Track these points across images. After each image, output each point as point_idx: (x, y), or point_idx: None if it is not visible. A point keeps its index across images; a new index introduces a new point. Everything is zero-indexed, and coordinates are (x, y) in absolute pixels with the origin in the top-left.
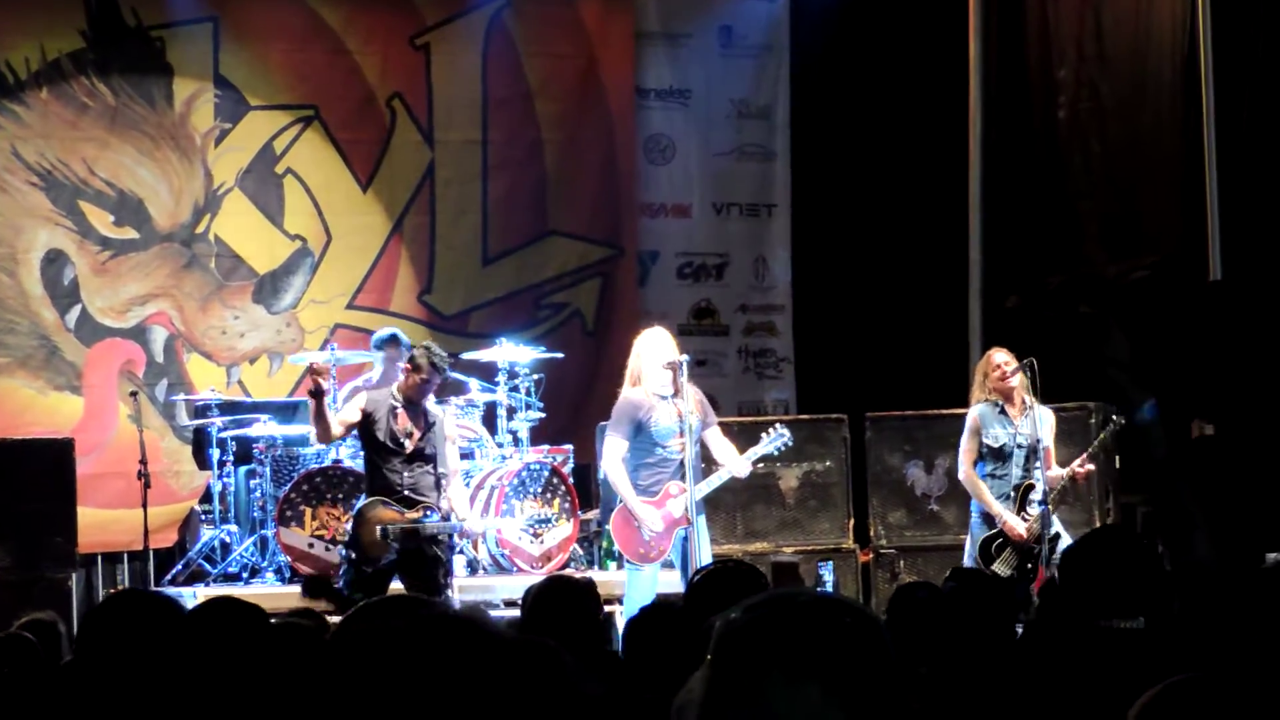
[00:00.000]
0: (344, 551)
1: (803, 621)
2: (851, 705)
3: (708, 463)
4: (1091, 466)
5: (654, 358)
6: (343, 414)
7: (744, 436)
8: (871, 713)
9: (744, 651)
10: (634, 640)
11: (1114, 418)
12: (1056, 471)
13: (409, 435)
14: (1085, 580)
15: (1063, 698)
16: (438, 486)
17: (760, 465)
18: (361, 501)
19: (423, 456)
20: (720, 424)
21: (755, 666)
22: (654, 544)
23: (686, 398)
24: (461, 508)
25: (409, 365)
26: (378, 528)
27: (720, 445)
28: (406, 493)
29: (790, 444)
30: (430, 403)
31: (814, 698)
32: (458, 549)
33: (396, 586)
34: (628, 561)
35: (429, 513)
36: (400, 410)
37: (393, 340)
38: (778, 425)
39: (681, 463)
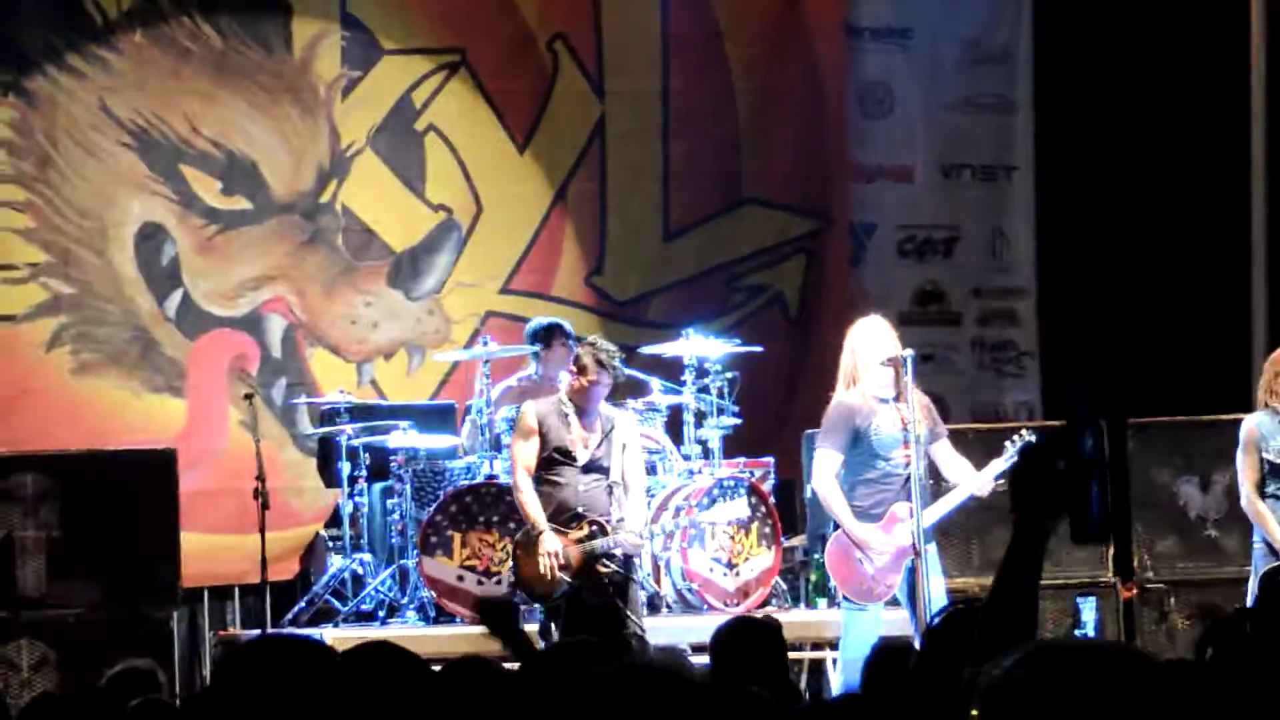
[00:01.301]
0: (516, 593)
1: (1087, 676)
2: None
3: (936, 480)
4: None
5: (872, 353)
6: (521, 450)
7: (979, 447)
8: None
9: (1018, 712)
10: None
11: None
12: None
13: (584, 445)
14: None
15: None
16: (611, 499)
17: (1001, 483)
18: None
19: (598, 468)
20: (951, 431)
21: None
22: (879, 578)
23: (911, 402)
24: (631, 520)
25: (574, 367)
26: (534, 559)
27: (951, 460)
28: (579, 509)
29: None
30: (605, 407)
31: None
32: (639, 576)
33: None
34: (845, 600)
35: (597, 531)
36: (571, 417)
37: (553, 331)
38: (1024, 432)
39: (908, 479)
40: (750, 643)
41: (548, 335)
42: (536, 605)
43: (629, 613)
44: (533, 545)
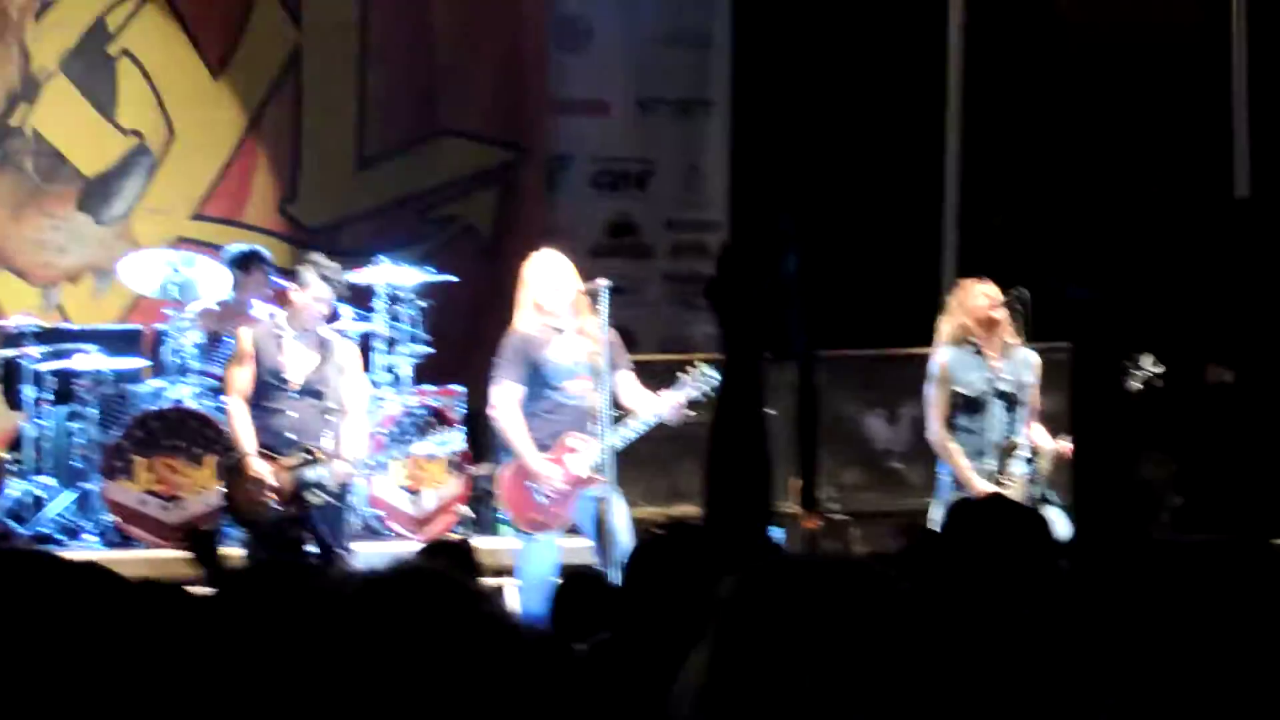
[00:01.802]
0: (223, 517)
1: (821, 588)
2: (883, 676)
3: (619, 413)
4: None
5: (546, 285)
6: (236, 375)
7: (668, 379)
8: (903, 682)
9: (754, 625)
10: (560, 617)
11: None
12: (1043, 437)
13: (298, 369)
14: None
15: None
16: (330, 427)
17: (688, 413)
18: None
19: (313, 393)
20: (641, 362)
21: (769, 642)
22: (551, 509)
23: (593, 331)
24: (348, 448)
25: (296, 284)
26: (250, 482)
27: (634, 393)
28: (291, 436)
29: (717, 387)
30: (324, 329)
31: (840, 671)
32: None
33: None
34: (519, 532)
35: (310, 458)
36: (286, 340)
37: (251, 257)
38: (700, 365)
39: (583, 410)
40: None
41: (246, 261)
42: (241, 530)
43: (333, 541)
44: (240, 470)
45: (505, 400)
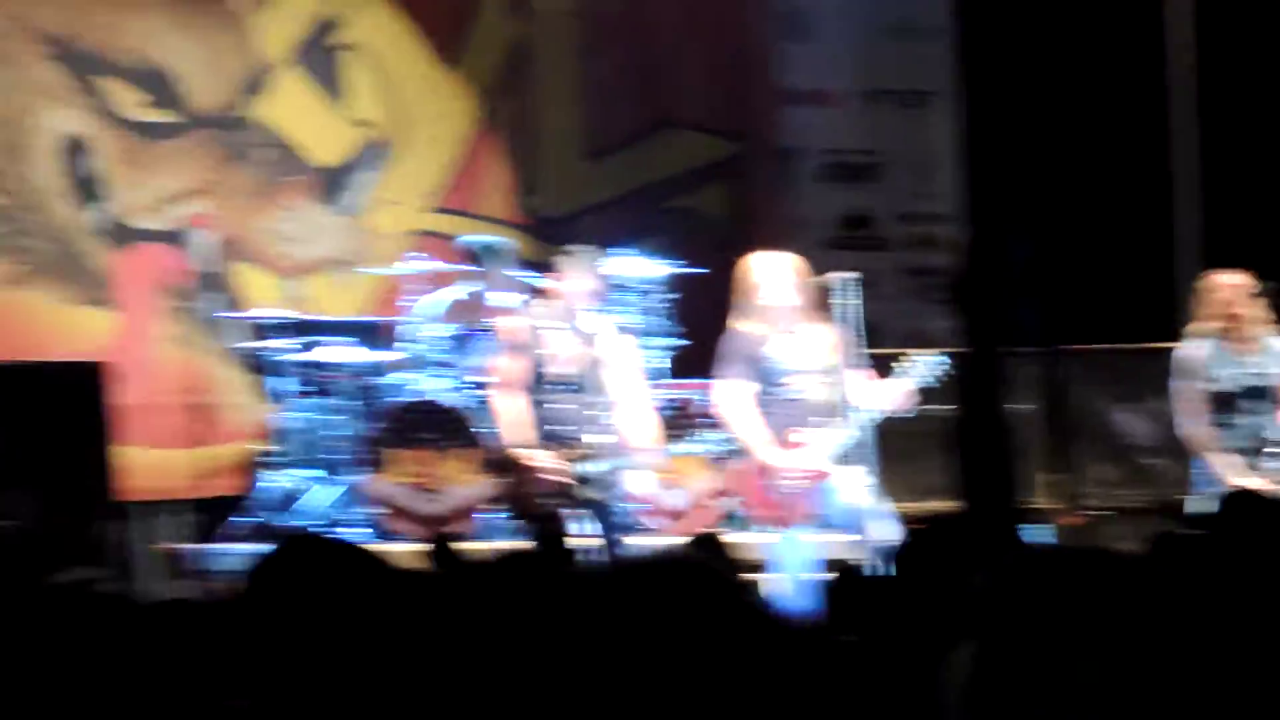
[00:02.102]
0: (503, 512)
1: (1078, 579)
2: (1145, 665)
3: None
4: None
5: (771, 285)
6: (504, 365)
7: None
8: (1166, 670)
9: (1017, 618)
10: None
11: None
12: None
13: (568, 360)
14: None
15: None
16: (595, 421)
17: (936, 408)
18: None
19: (576, 385)
20: (879, 356)
21: (1033, 635)
22: (789, 503)
23: (821, 330)
24: (637, 438)
25: (556, 274)
26: (525, 476)
27: (862, 386)
28: (553, 428)
29: (948, 369)
30: (591, 319)
31: (1104, 661)
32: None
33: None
34: (758, 526)
35: (581, 452)
36: (555, 331)
37: (492, 249)
38: (913, 355)
39: (807, 406)
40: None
41: (488, 252)
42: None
43: (606, 534)
44: (511, 463)
45: (733, 397)
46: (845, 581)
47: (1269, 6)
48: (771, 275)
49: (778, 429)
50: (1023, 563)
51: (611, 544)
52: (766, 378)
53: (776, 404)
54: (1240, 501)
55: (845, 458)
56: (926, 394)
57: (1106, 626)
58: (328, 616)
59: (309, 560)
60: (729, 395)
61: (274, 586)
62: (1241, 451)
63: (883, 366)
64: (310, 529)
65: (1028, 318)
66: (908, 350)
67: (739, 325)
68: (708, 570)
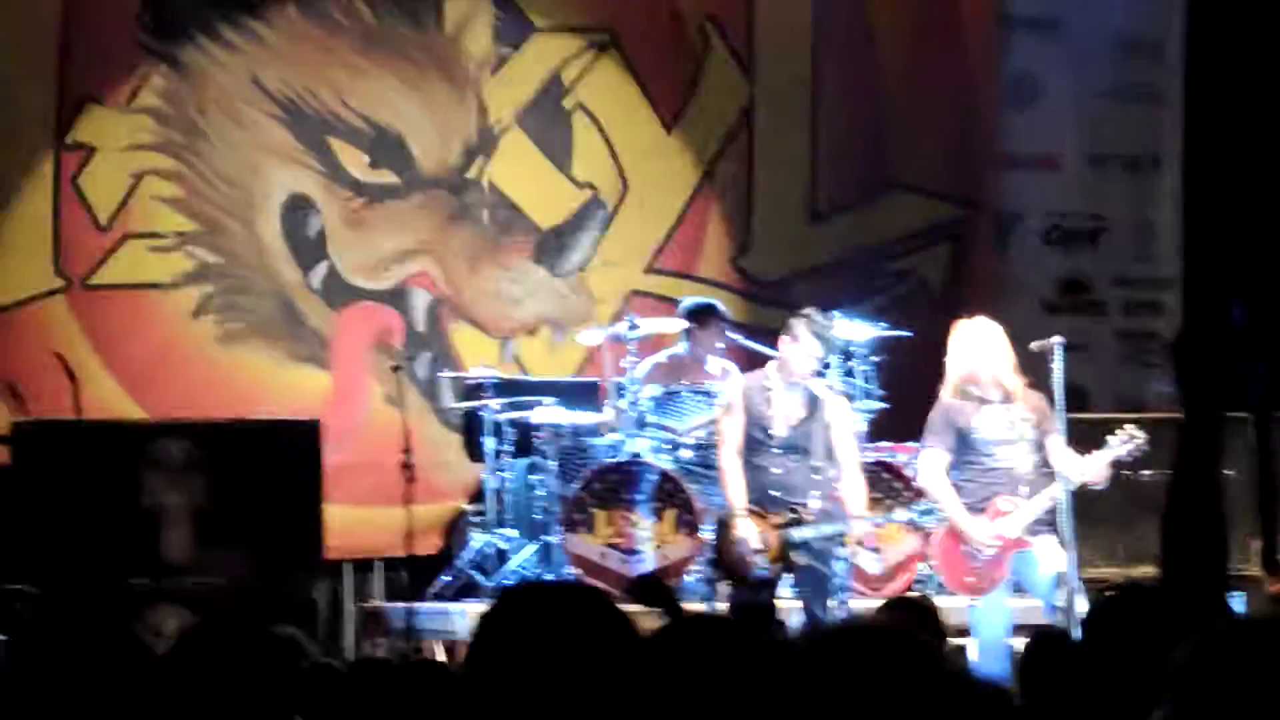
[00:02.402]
0: (708, 572)
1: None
2: None
3: (1049, 477)
4: None
5: (975, 357)
6: (726, 427)
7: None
8: None
9: (1212, 690)
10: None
11: None
12: None
13: (785, 422)
14: None
15: None
16: (817, 485)
17: (1148, 473)
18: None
19: (800, 449)
20: (1094, 421)
21: (1228, 707)
22: (985, 571)
23: (1024, 397)
24: (855, 504)
25: (786, 336)
26: (738, 539)
27: (1062, 456)
28: (776, 494)
29: (1146, 448)
30: (814, 383)
31: None
32: (844, 561)
33: None
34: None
35: (795, 516)
36: (775, 393)
37: (708, 310)
38: (1129, 426)
39: (1013, 476)
40: (908, 623)
41: (703, 314)
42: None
43: (815, 605)
44: (729, 526)
45: (933, 467)
46: (1039, 647)
47: None
48: (980, 344)
49: (979, 497)
50: (1229, 633)
51: (813, 610)
52: (971, 447)
53: (979, 473)
54: None
55: (1044, 526)
56: (1144, 460)
57: None
58: (558, 654)
59: (535, 605)
60: (931, 463)
61: (501, 634)
62: None
63: (1095, 433)
64: (506, 586)
65: (1245, 382)
66: (1119, 416)
67: (946, 393)
68: (907, 637)
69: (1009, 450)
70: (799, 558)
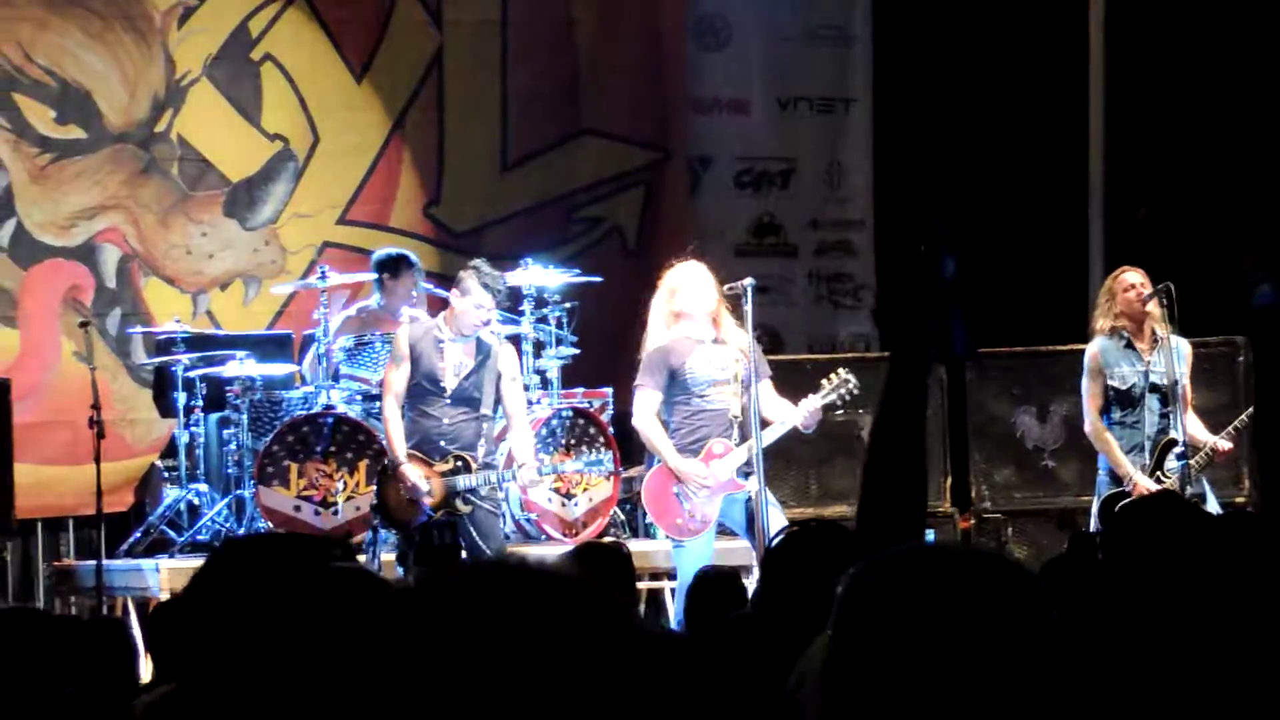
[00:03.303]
0: (374, 519)
1: (950, 575)
2: (1012, 670)
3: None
4: (1230, 445)
5: (689, 296)
6: (392, 376)
7: (816, 379)
8: (1033, 678)
9: (880, 608)
10: (694, 615)
11: None
12: (1198, 430)
13: (457, 374)
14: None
15: None
16: (481, 435)
17: (840, 414)
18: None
19: (468, 400)
20: (789, 362)
21: (893, 625)
22: (695, 512)
23: (735, 339)
24: (522, 454)
25: (455, 289)
26: (402, 487)
27: (773, 400)
28: (444, 443)
29: (856, 392)
30: (484, 334)
31: (967, 660)
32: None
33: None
34: (667, 537)
35: (461, 465)
36: (446, 344)
37: (400, 261)
38: (841, 370)
39: (725, 417)
40: (599, 569)
41: (395, 265)
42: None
43: (484, 546)
44: (393, 475)
45: (646, 408)
46: (700, 585)
47: (1179, 18)
48: (689, 286)
49: (692, 439)
50: (886, 561)
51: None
52: (684, 388)
53: (691, 414)
54: (1112, 505)
55: (753, 468)
56: (830, 409)
57: (964, 622)
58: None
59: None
60: (644, 404)
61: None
62: (1137, 450)
63: (791, 375)
64: (199, 541)
65: (952, 325)
66: (813, 358)
67: (658, 334)
68: (560, 581)
69: (721, 391)
70: (464, 505)
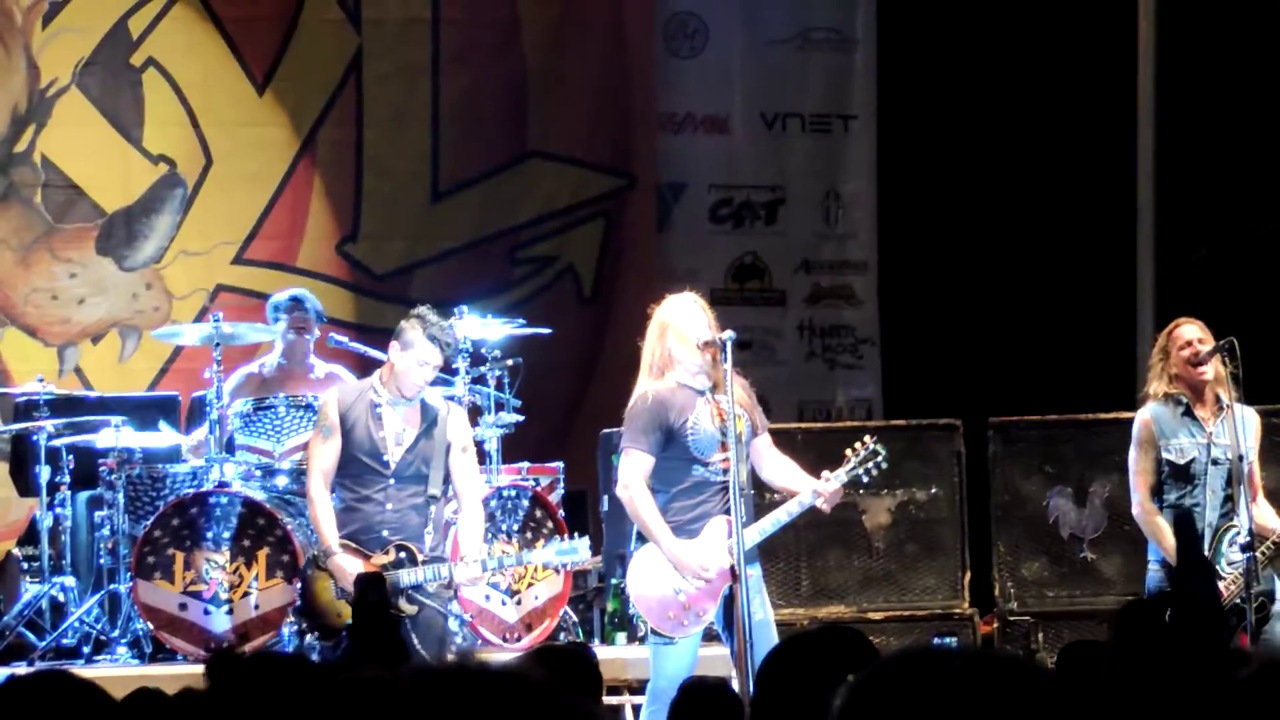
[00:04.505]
0: (294, 623)
1: (965, 686)
2: None
3: (756, 488)
4: None
5: (687, 336)
6: (318, 450)
7: (810, 452)
8: None
9: None
10: None
11: None
12: (1269, 516)
13: (398, 445)
14: None
15: None
16: (428, 520)
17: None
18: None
19: (413, 477)
20: (775, 431)
21: None
22: (694, 606)
23: (730, 392)
24: (467, 544)
25: (395, 343)
26: (333, 583)
27: (775, 461)
28: (385, 532)
29: (885, 465)
30: (430, 395)
31: None
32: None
33: None
34: (652, 633)
35: (405, 557)
36: (385, 409)
37: (297, 304)
38: (868, 439)
39: (730, 487)
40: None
41: (298, 311)
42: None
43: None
44: (324, 568)
45: (635, 475)
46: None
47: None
48: (692, 324)
49: (696, 516)
50: (882, 672)
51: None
52: (683, 451)
53: (692, 485)
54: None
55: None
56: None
57: None
58: None
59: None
60: (633, 470)
61: None
62: (1202, 538)
63: (776, 445)
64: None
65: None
66: (803, 426)
67: (651, 386)
68: (550, 689)
69: (723, 456)
70: (409, 605)
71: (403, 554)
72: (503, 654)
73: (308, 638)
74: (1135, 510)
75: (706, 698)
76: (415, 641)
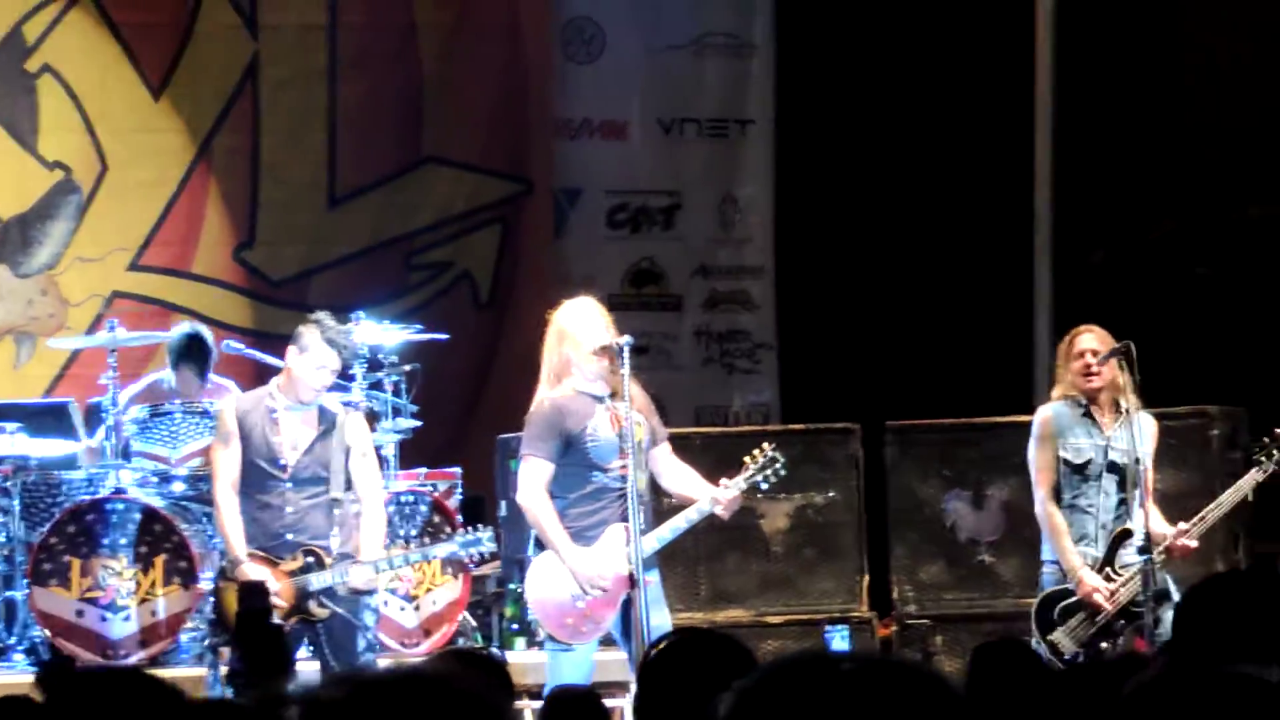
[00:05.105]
0: (206, 634)
1: (855, 692)
2: None
3: (656, 494)
4: (1195, 544)
5: (586, 341)
6: (221, 458)
7: (708, 457)
8: None
9: None
10: None
11: (1266, 450)
12: (1158, 521)
13: (295, 449)
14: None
15: None
16: (334, 522)
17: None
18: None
19: (313, 480)
20: (672, 436)
21: None
22: (593, 613)
23: (627, 398)
24: (368, 547)
25: (292, 347)
26: (239, 591)
27: (674, 468)
28: (290, 536)
29: (784, 472)
30: (328, 400)
31: None
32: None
33: None
34: (549, 640)
35: (313, 561)
36: (281, 414)
37: (194, 345)
38: (766, 446)
39: (628, 493)
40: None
41: (185, 350)
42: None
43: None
44: (230, 577)
45: (534, 483)
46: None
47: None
48: (591, 328)
49: (595, 523)
50: (776, 676)
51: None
52: (582, 457)
53: (593, 493)
54: (1051, 608)
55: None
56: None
57: None
58: None
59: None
60: (532, 478)
61: None
62: (1088, 540)
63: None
64: None
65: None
66: (699, 431)
67: (549, 392)
68: (470, 692)
69: (621, 462)
70: (319, 609)
71: (310, 558)
72: (400, 657)
73: (222, 650)
74: (1038, 508)
75: (573, 707)
76: (326, 645)
